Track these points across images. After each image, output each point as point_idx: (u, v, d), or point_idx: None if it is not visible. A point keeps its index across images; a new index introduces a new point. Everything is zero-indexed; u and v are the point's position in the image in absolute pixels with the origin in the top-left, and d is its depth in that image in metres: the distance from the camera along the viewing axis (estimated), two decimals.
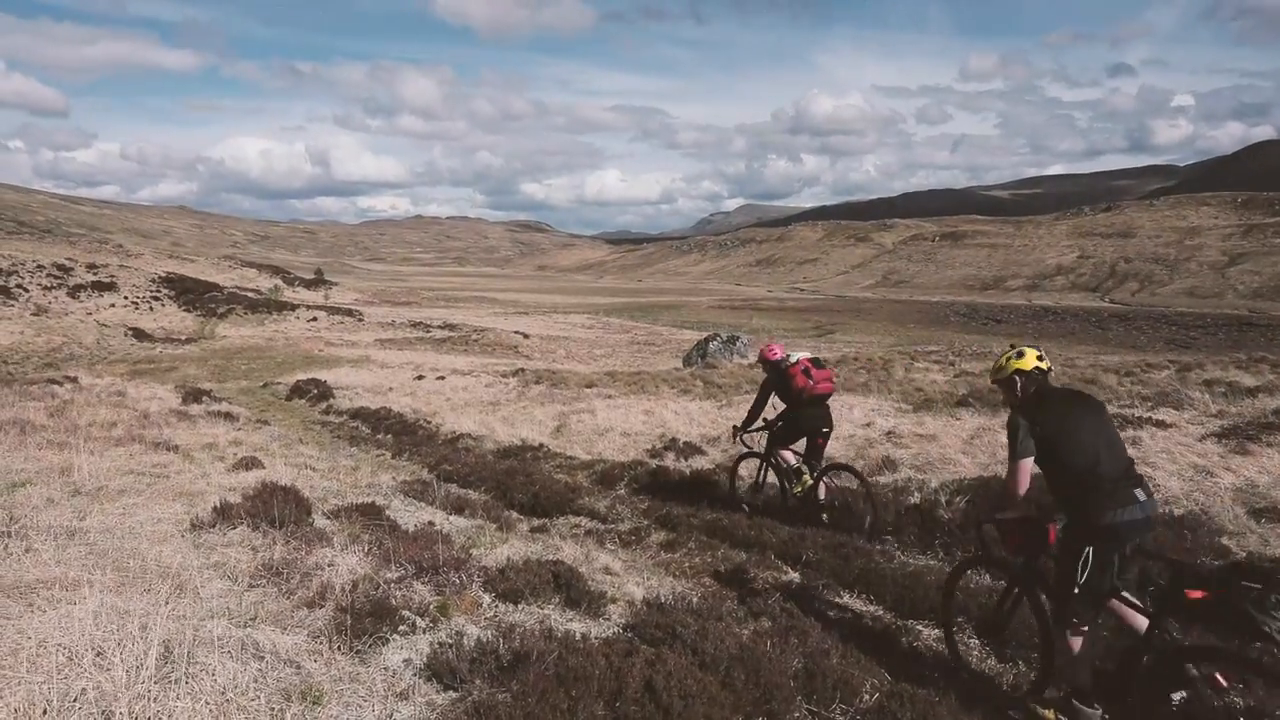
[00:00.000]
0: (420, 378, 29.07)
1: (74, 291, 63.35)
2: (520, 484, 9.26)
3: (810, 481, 7.23)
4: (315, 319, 67.82)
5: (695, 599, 4.87)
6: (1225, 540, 5.52)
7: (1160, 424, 9.07)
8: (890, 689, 3.59)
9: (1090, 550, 3.52)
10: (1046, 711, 3.63)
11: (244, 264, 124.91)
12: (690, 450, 10.97)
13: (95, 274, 69.40)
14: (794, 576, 5.80)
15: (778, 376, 7.36)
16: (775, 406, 7.57)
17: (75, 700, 2.59)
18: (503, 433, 14.48)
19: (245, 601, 3.92)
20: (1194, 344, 76.02)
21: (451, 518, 7.11)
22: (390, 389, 25.18)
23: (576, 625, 4.19)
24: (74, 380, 18.73)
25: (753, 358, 31.97)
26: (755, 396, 7.74)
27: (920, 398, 14.80)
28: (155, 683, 2.73)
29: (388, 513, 6.45)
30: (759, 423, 7.63)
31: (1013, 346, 4.08)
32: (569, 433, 14.08)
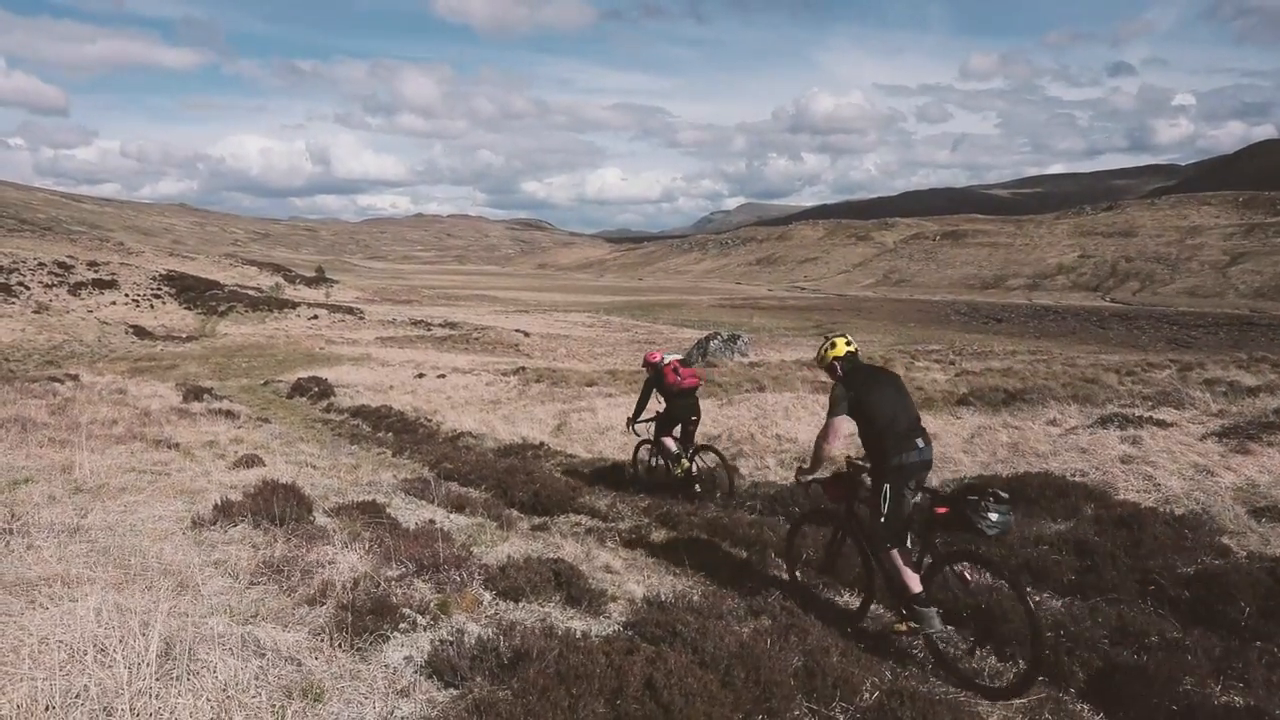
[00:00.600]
0: (421, 376, 29.09)
1: (75, 289, 63.37)
2: (521, 482, 9.26)
3: (687, 464, 8.68)
4: (316, 317, 67.84)
5: (696, 597, 4.87)
6: (1225, 539, 5.52)
7: (1161, 423, 9.07)
8: (890, 687, 3.59)
9: (887, 487, 4.46)
10: (900, 625, 4.37)
11: (245, 262, 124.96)
12: None
13: (96, 272, 69.43)
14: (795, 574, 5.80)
15: (656, 375, 8.83)
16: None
17: (77, 697, 2.59)
18: (503, 431, 14.49)
19: (246, 599, 3.93)
20: (1195, 343, 75.99)
21: (452, 516, 7.11)
22: (391, 387, 25.19)
23: (577, 623, 4.20)
24: (75, 378, 18.74)
25: (754, 356, 31.98)
26: (640, 393, 9.12)
27: (921, 397, 14.80)
28: (157, 679, 2.73)
29: (388, 510, 6.45)
30: (649, 415, 9.06)
31: (826, 338, 5.11)
32: (570, 431, 14.09)
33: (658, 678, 3.14)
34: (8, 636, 2.93)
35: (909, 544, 4.49)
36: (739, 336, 35.35)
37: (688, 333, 69.99)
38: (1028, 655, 3.82)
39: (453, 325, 69.32)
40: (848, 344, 4.92)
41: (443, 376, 28.55)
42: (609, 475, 9.99)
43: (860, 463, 4.84)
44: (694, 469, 8.70)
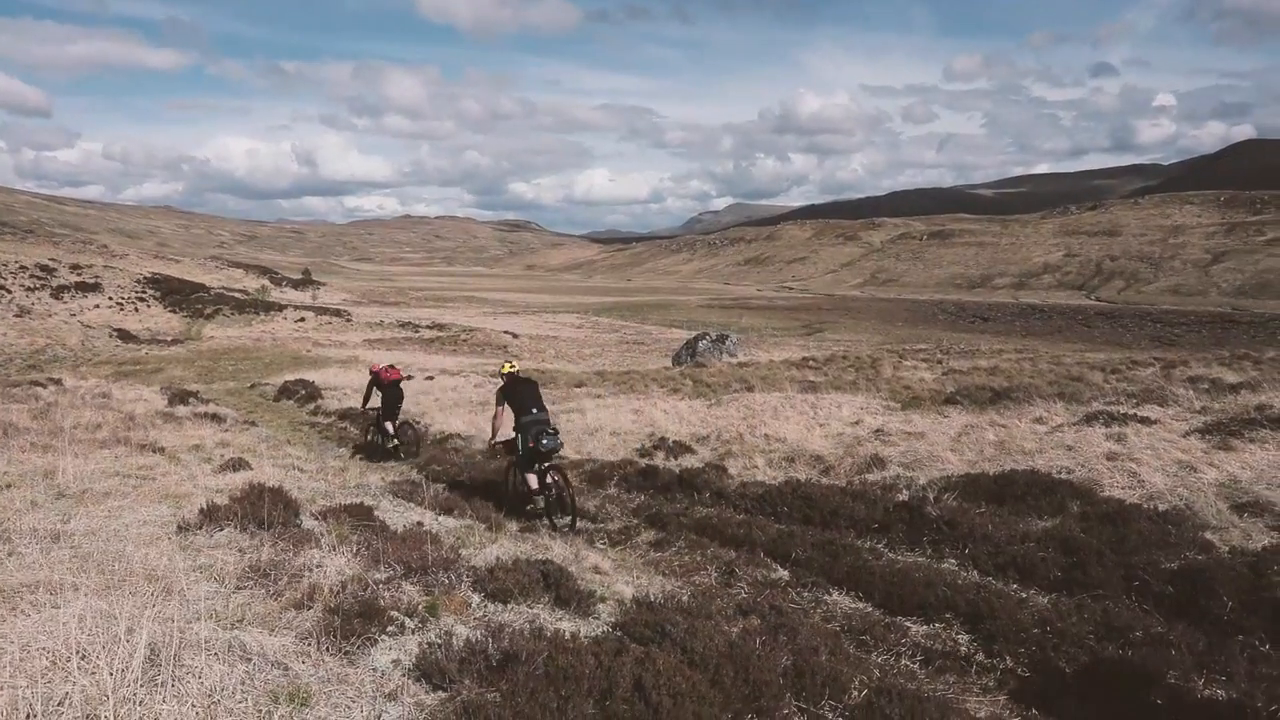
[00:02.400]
0: (409, 378, 28.98)
1: (58, 292, 62.70)
2: None
3: (396, 441, 12.76)
4: (303, 319, 67.41)
5: (685, 597, 4.88)
6: (1208, 535, 5.57)
7: (1145, 420, 9.15)
8: (879, 685, 3.61)
9: (523, 449, 7.93)
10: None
11: (231, 264, 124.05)
12: (680, 449, 10.98)
13: (79, 275, 68.71)
14: (783, 574, 5.82)
15: (375, 377, 13.11)
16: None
17: (60, 704, 2.57)
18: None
19: (232, 603, 3.90)
20: (1178, 341, 76.77)
21: (440, 518, 7.09)
22: None
23: (566, 624, 4.19)
24: (58, 382, 18.55)
25: (742, 356, 32.02)
26: (365, 388, 13.24)
27: (908, 396, 14.88)
28: (141, 686, 2.71)
29: (376, 513, 6.42)
30: (373, 409, 13.14)
31: (508, 362, 8.73)
32: None
33: (647, 678, 3.14)
34: None
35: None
36: (727, 337, 35.40)
37: (676, 333, 70.04)
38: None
39: (441, 327, 69.05)
40: (513, 368, 8.50)
41: (431, 378, 28.45)
42: (598, 476, 9.97)
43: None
44: (397, 440, 12.82)
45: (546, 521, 7.76)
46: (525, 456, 7.86)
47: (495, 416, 8.17)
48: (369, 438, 13.47)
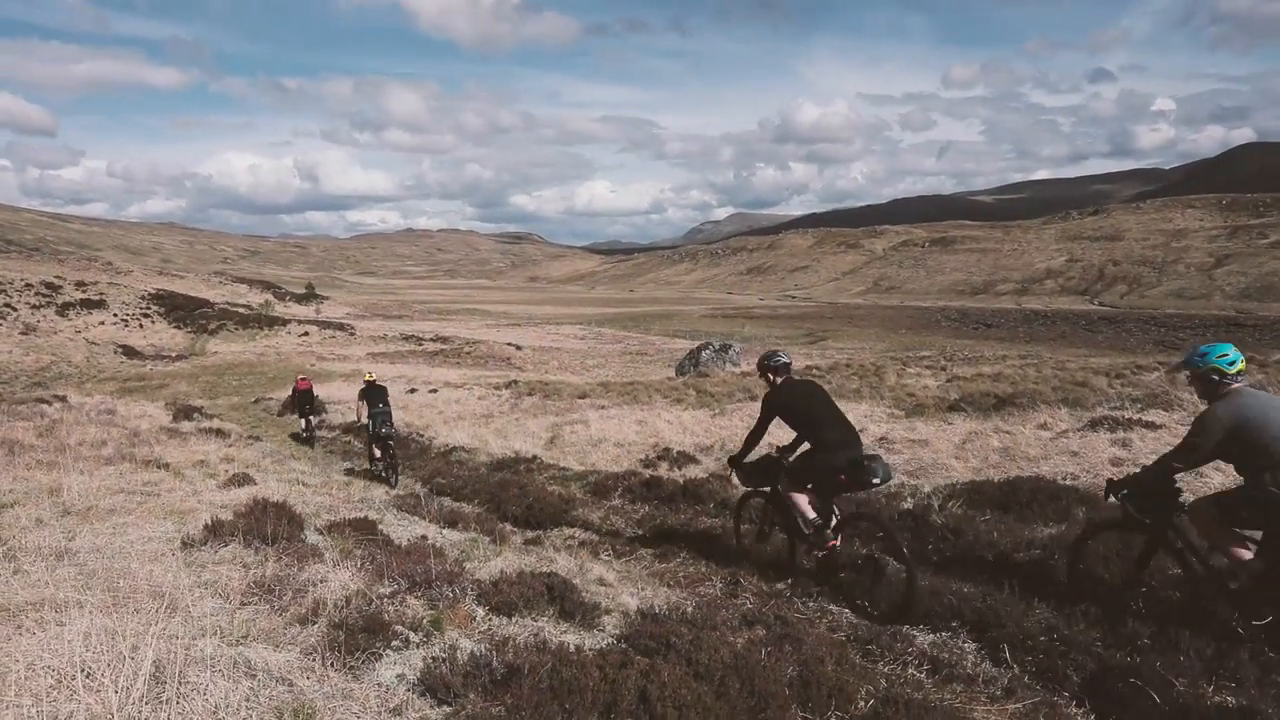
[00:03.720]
0: (413, 391, 29.00)
1: (63, 310, 63.02)
2: (514, 496, 9.23)
3: (307, 434, 17.83)
4: (307, 333, 67.63)
5: (689, 609, 4.87)
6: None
7: (1150, 425, 9.13)
8: (885, 695, 3.59)
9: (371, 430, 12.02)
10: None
11: (234, 280, 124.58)
12: (684, 460, 10.96)
13: (84, 292, 69.06)
14: (787, 584, 5.79)
15: (294, 389, 19.38)
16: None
17: None
18: (496, 445, 14.45)
19: (237, 619, 3.90)
20: (1182, 345, 76.60)
21: (445, 531, 7.08)
22: None
23: (571, 637, 4.18)
24: (63, 399, 18.61)
25: (745, 366, 32.00)
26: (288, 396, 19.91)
27: (912, 403, 14.85)
28: (146, 704, 2.71)
29: (380, 527, 6.42)
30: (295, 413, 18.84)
31: (369, 373, 14.89)
32: (562, 444, 14.06)
33: (652, 690, 3.13)
34: None
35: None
36: (730, 346, 35.42)
37: (680, 343, 70.09)
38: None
39: (444, 339, 69.22)
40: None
41: (434, 391, 28.48)
42: (602, 488, 9.97)
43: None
44: (315, 433, 17.91)
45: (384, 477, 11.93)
46: (372, 435, 12.55)
47: (359, 409, 13.23)
48: (309, 429, 18.65)
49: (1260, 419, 4.10)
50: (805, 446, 5.75)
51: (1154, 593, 4.75)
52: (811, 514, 5.59)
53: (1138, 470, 4.95)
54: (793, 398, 5.73)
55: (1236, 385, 4.25)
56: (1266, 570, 4.05)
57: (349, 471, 13.16)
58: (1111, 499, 4.72)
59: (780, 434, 6.29)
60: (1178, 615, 4.40)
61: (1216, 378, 4.27)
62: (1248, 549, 4.22)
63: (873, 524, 5.67)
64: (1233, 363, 4.25)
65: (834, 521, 5.53)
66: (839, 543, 5.50)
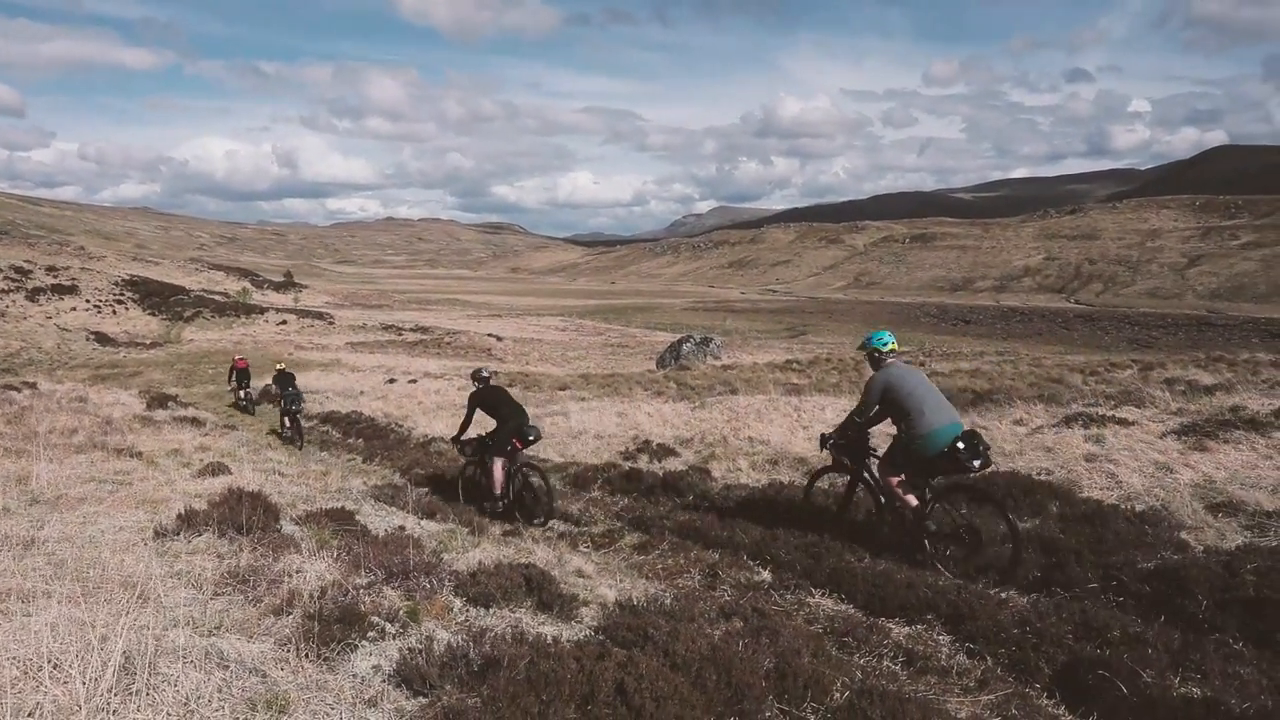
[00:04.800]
0: (392, 381, 28.79)
1: (33, 294, 61.78)
2: None
3: (245, 403, 20.86)
4: (285, 322, 66.84)
5: (668, 601, 4.87)
6: (1184, 535, 5.65)
7: (1123, 422, 9.26)
8: (861, 686, 3.62)
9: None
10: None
11: (211, 266, 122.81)
12: (663, 452, 10.98)
13: (55, 276, 67.73)
14: (766, 576, 5.83)
15: (232, 366, 22.79)
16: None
17: (30, 715, 2.52)
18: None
19: (210, 610, 3.85)
20: (1155, 343, 77.94)
21: (423, 522, 7.04)
22: (361, 393, 24.91)
23: (548, 628, 4.17)
24: (33, 386, 18.27)
25: (726, 359, 32.09)
26: (229, 375, 22.60)
27: None
28: (115, 695, 2.67)
29: (358, 518, 6.37)
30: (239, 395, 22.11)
31: (280, 361, 20.33)
32: (543, 435, 14.02)
33: (629, 682, 3.13)
34: None
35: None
36: (712, 339, 35.48)
37: (661, 335, 70.12)
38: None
39: (424, 330, 68.73)
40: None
41: (414, 381, 28.29)
42: (582, 479, 9.96)
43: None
44: (246, 403, 20.91)
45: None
46: (283, 410, 15.97)
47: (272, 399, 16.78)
48: (243, 401, 21.56)
49: (899, 383, 5.91)
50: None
51: (1124, 586, 4.84)
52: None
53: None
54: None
55: (890, 360, 6.10)
56: (918, 507, 5.83)
57: (272, 432, 16.67)
58: (824, 449, 6.63)
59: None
60: (866, 531, 6.23)
61: (878, 355, 6.13)
62: (914, 497, 5.88)
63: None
64: (887, 344, 6.14)
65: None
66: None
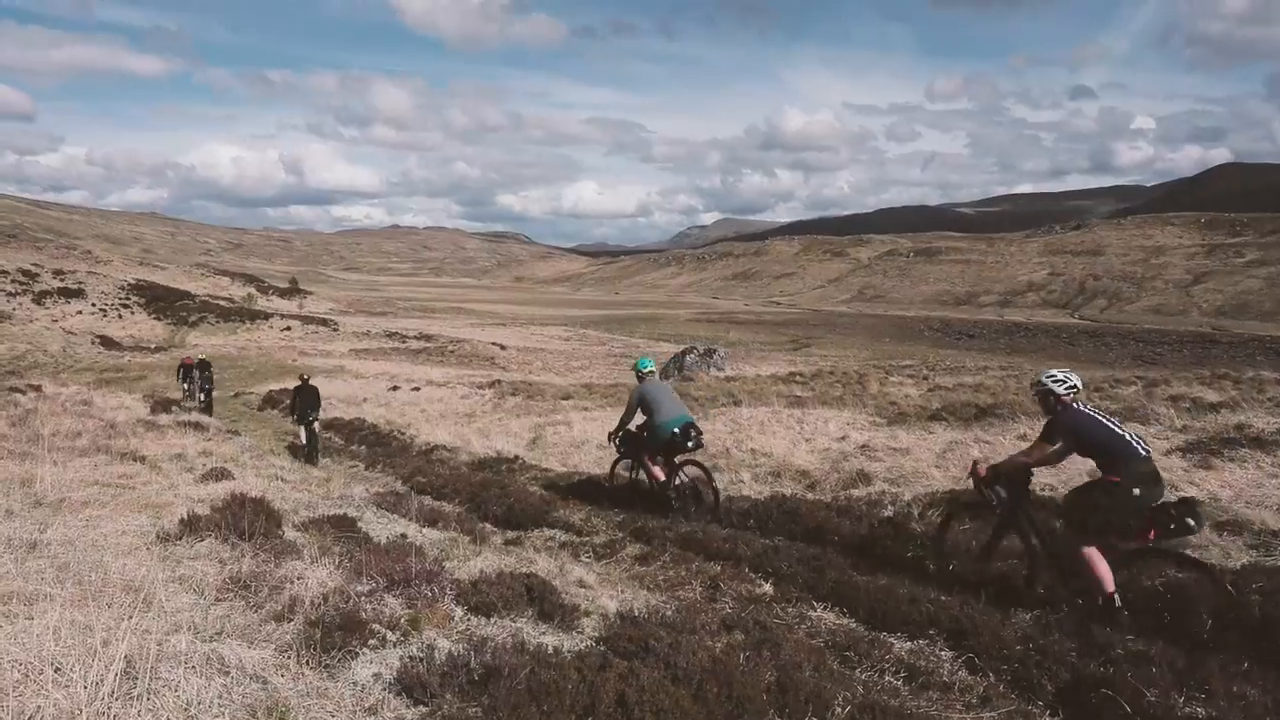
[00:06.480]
0: (395, 388, 28.81)
1: (39, 298, 62.07)
2: (495, 496, 9.20)
3: (201, 401, 21.73)
4: (289, 328, 67.03)
5: (669, 612, 4.86)
6: (1190, 553, 5.61)
7: None
8: (862, 701, 3.60)
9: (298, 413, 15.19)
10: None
11: (217, 272, 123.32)
12: None
13: (62, 280, 68.05)
14: (768, 589, 5.81)
15: (184, 365, 24.49)
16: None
17: (31, 718, 2.52)
18: (478, 445, 14.39)
19: (212, 615, 3.85)
20: (1160, 360, 77.71)
21: (425, 530, 7.03)
22: (364, 400, 24.93)
23: (549, 639, 4.16)
24: (38, 389, 18.32)
25: (729, 370, 32.06)
26: (179, 374, 23.97)
27: (894, 411, 14.93)
28: (116, 699, 2.66)
29: (360, 525, 6.37)
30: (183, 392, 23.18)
31: (303, 374, 16.70)
32: (545, 445, 14.02)
33: (630, 694, 3.12)
34: None
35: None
36: (715, 350, 35.46)
37: (664, 346, 70.13)
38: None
39: (428, 338, 68.85)
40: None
41: (417, 389, 28.30)
42: (584, 489, 9.95)
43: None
44: (192, 402, 21.46)
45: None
46: (298, 420, 14.96)
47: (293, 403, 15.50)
48: (188, 395, 22.73)
49: (652, 396, 8.50)
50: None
51: (1129, 604, 4.82)
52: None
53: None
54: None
55: (650, 371, 8.75)
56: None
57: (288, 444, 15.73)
58: (613, 444, 9.32)
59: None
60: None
61: (641, 375, 8.75)
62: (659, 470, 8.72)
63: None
64: (648, 367, 8.83)
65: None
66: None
